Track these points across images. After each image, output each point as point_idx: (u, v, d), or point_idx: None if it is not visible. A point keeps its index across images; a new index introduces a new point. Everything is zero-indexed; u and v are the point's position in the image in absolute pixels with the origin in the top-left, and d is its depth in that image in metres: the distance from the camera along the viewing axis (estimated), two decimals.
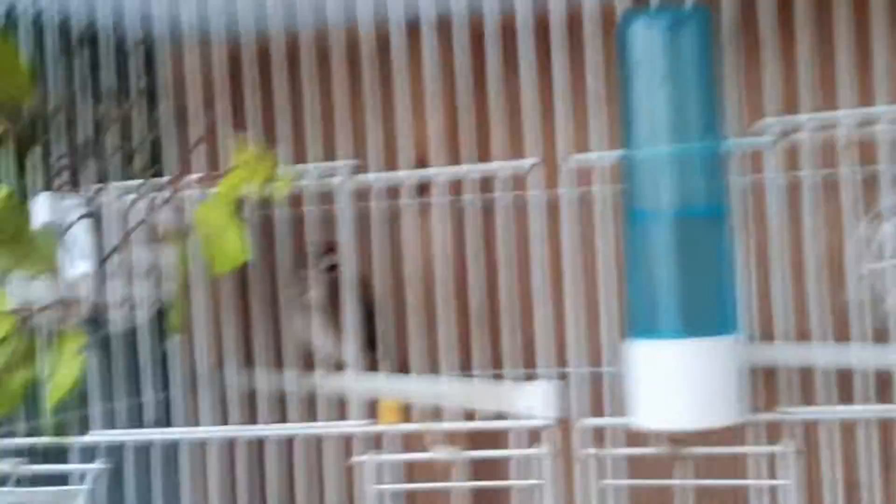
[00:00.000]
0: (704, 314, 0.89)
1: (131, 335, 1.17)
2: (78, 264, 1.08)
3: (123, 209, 1.07)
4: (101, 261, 1.06)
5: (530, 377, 1.03)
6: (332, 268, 1.26)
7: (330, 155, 1.05)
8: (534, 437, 1.01)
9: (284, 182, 0.95)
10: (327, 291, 1.07)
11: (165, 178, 1.05)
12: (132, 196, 1.06)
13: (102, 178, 1.08)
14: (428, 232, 1.19)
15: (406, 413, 1.07)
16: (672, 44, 0.88)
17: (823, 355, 0.96)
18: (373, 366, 1.23)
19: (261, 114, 1.04)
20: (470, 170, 1.03)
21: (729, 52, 0.93)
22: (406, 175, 1.03)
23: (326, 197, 1.25)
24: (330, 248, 1.23)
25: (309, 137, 1.04)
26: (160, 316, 1.26)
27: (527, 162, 1.01)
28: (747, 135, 0.97)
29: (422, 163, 1.08)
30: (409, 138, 1.03)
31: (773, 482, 0.95)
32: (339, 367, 1.19)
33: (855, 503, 1.30)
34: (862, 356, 0.95)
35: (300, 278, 1.12)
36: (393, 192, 1.06)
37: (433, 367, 1.09)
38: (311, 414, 1.09)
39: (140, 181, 1.05)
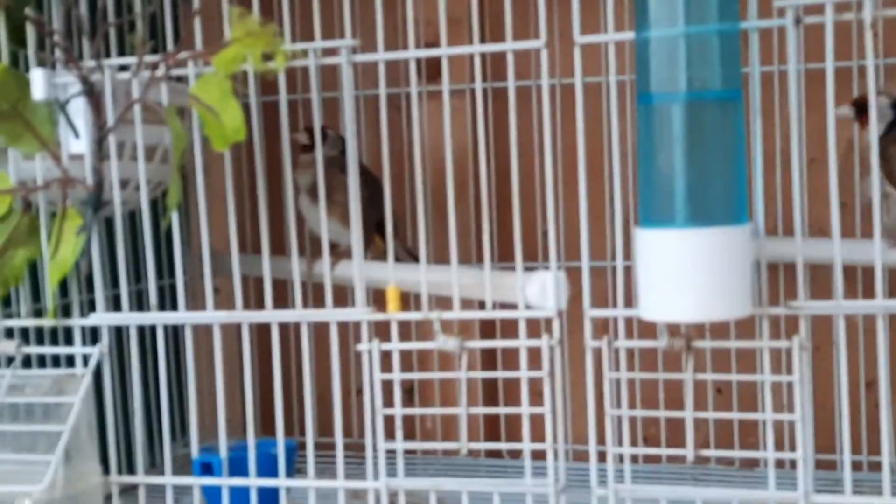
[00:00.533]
0: (715, 202, 0.86)
1: (135, 217, 1.16)
2: (77, 143, 1.05)
3: (122, 86, 1.04)
4: (98, 139, 1.04)
5: (539, 268, 1.00)
6: (309, 147, 1.23)
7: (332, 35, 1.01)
8: (538, 325, 0.99)
9: (283, 56, 0.91)
10: (324, 176, 1.04)
11: (163, 55, 1.02)
12: (130, 73, 1.03)
13: (100, 54, 1.04)
14: (437, 117, 1.16)
15: (410, 302, 1.05)
16: None
17: (839, 251, 0.92)
18: (380, 254, 1.21)
19: None
20: (478, 49, 0.98)
21: None
22: (411, 54, 0.99)
23: (331, 82, 1.22)
24: (308, 128, 1.20)
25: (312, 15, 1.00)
26: (185, 197, 1.24)
27: (537, 42, 0.96)
28: (766, 15, 0.92)
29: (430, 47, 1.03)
30: (417, 20, 0.98)
31: (781, 378, 0.92)
32: (345, 254, 1.17)
33: (866, 401, 1.29)
34: (878, 254, 0.91)
35: (298, 163, 1.08)
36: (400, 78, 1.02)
37: (442, 256, 1.07)
38: (317, 301, 1.07)
39: (138, 57, 1.01)
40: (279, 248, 1.13)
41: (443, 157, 1.00)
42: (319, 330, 1.06)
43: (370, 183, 1.16)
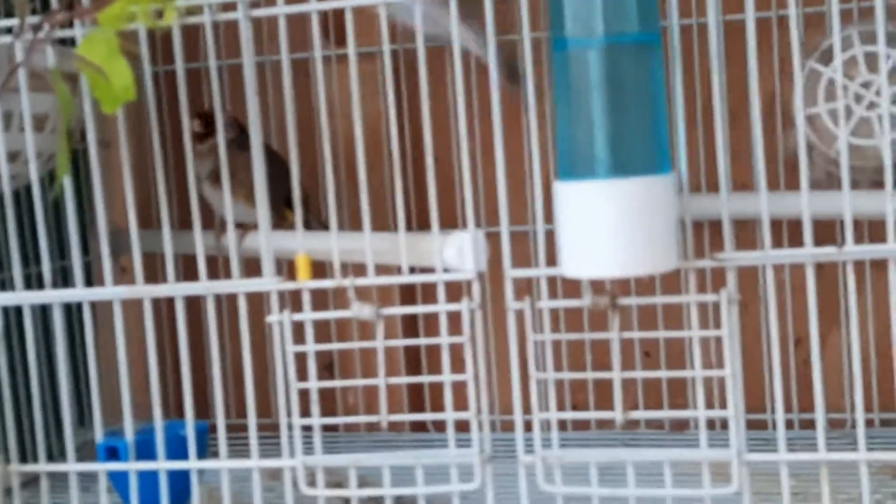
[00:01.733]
0: (635, 151, 0.82)
1: (25, 193, 1.10)
2: None
3: (4, 51, 0.98)
4: None
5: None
6: (204, 136, 1.19)
7: None
8: (459, 291, 0.94)
9: (173, 11, 0.85)
10: (224, 158, 0.98)
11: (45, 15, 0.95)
12: (10, 37, 0.97)
13: None
14: (343, 80, 1.11)
15: (326, 273, 1.00)
16: None
17: (766, 203, 0.89)
18: (293, 227, 1.16)
19: None
20: (385, 1, 0.93)
21: None
22: (314, 7, 0.93)
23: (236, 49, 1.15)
24: (201, 114, 1.16)
25: None
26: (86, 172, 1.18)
27: None
28: None
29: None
30: None
31: (710, 332, 0.88)
32: (253, 227, 1.12)
33: (794, 358, 1.28)
34: (806, 204, 0.88)
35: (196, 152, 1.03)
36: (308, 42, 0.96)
37: (358, 226, 1.02)
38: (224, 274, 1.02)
39: (18, 19, 0.95)
40: (187, 222, 1.08)
41: (352, 119, 0.95)
42: (232, 305, 1.01)
43: (274, 158, 1.11)
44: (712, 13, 0.89)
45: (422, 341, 0.99)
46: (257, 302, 0.99)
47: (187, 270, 1.05)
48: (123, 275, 1.37)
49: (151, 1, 0.83)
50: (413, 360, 1.38)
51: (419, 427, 1.36)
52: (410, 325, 1.28)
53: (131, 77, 0.84)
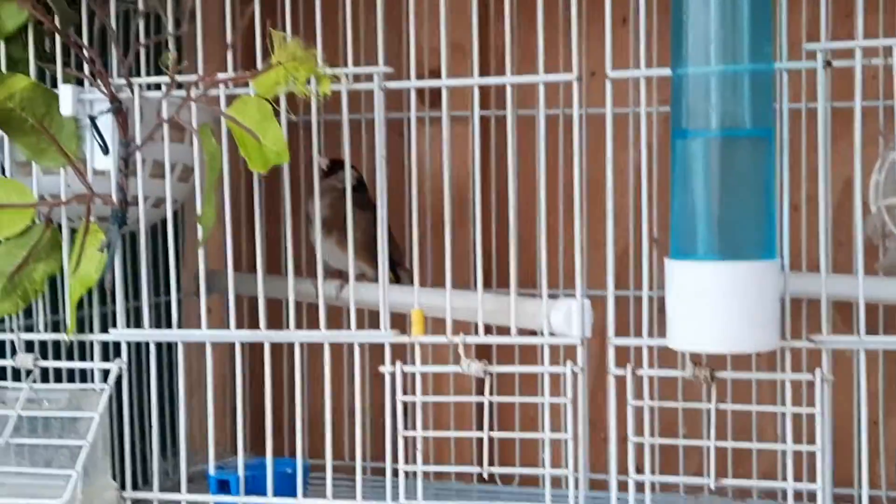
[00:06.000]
0: (743, 237, 0.88)
1: (154, 234, 1.16)
2: (102, 159, 1.05)
3: (149, 104, 1.05)
4: (125, 156, 1.04)
5: (561, 295, 1.02)
6: (327, 175, 1.25)
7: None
8: (565, 353, 1.00)
9: (326, 81, 0.92)
10: (334, 208, 1.05)
11: (195, 75, 1.02)
12: (159, 91, 1.04)
13: (130, 72, 1.05)
14: (460, 144, 1.17)
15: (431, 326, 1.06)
16: None
17: (863, 287, 0.95)
18: (396, 281, 1.22)
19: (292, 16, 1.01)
20: (510, 80, 1.00)
21: None
22: (444, 83, 1.00)
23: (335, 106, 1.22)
24: (333, 162, 1.22)
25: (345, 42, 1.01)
26: (183, 215, 1.25)
27: (568, 75, 0.98)
28: (797, 57, 0.94)
29: (435, 73, 1.03)
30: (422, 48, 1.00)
31: (802, 409, 0.94)
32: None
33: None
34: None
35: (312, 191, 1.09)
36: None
37: (463, 282, 1.09)
38: (338, 323, 1.08)
39: (168, 76, 1.02)
40: (274, 268, 1.13)
41: (467, 182, 1.02)
42: (314, 352, 1.07)
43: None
44: (822, 105, 0.94)
45: (525, 399, 1.04)
46: (339, 350, 1.05)
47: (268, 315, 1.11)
48: (210, 316, 1.42)
49: (305, 71, 0.90)
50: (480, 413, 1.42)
51: (485, 478, 1.40)
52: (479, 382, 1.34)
53: (284, 141, 0.90)
